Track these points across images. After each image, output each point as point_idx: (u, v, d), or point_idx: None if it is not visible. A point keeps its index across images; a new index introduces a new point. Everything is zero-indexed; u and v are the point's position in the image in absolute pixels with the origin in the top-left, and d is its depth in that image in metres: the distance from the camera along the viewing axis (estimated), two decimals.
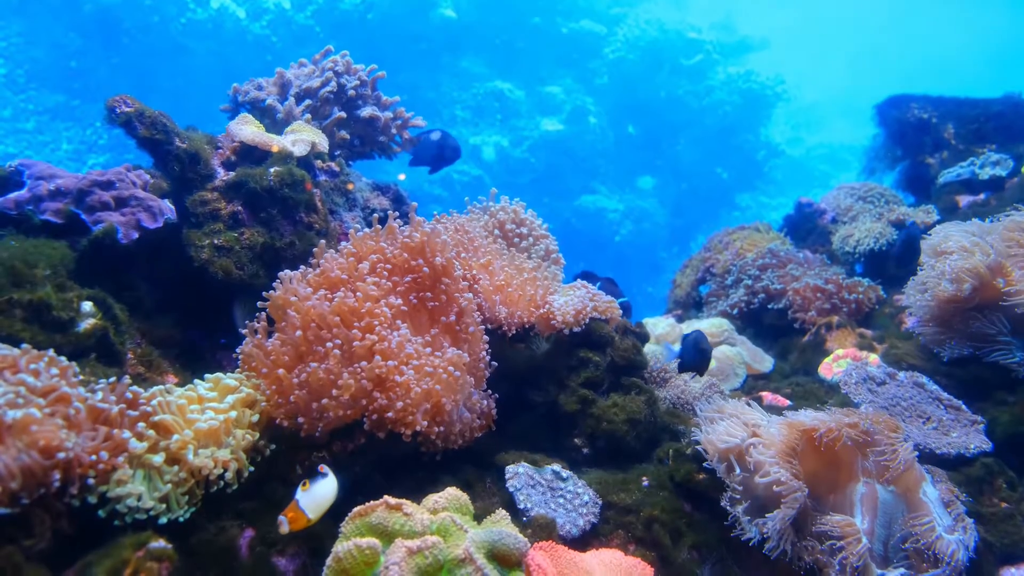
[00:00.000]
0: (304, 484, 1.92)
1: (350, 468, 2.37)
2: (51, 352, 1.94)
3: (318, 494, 1.92)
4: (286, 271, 2.52)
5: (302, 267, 2.59)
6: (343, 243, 2.71)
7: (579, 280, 3.16)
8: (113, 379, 2.03)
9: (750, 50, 20.74)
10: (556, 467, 2.43)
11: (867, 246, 4.46)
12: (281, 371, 2.25)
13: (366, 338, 2.25)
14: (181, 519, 1.91)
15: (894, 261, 3.70)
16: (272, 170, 2.94)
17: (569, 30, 17.37)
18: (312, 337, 2.29)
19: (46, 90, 14.11)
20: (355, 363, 2.22)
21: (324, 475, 1.96)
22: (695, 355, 3.13)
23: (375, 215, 2.84)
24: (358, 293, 2.37)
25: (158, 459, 1.90)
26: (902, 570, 2.00)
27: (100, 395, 1.92)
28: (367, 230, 2.68)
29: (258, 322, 2.44)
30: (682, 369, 3.19)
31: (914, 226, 3.61)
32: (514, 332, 2.86)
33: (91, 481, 1.78)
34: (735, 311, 4.37)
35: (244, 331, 2.45)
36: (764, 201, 18.67)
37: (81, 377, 1.96)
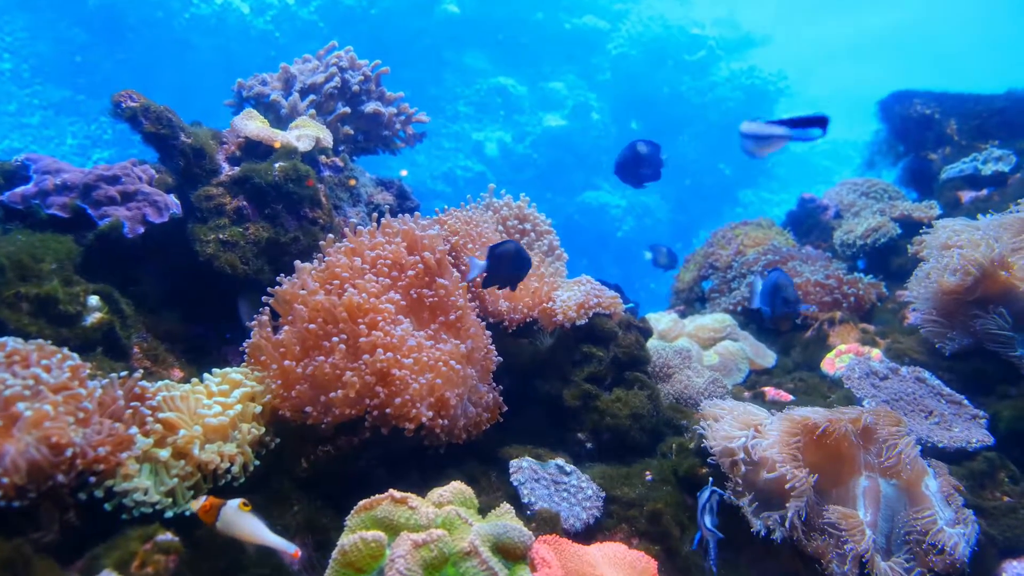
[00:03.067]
0: (246, 504, 1.80)
1: (355, 462, 2.38)
2: (65, 350, 1.95)
3: (244, 523, 1.78)
4: (305, 263, 2.53)
5: (314, 261, 2.61)
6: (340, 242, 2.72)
7: (583, 276, 3.17)
8: (124, 373, 2.05)
9: (753, 46, 20.68)
10: (560, 461, 2.44)
11: (870, 241, 4.46)
12: (288, 363, 2.26)
13: (372, 334, 2.26)
14: (187, 513, 1.92)
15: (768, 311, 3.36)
16: (277, 165, 2.95)
17: (572, 26, 17.36)
18: (321, 332, 2.30)
19: (51, 85, 14.13)
20: (360, 358, 2.24)
21: (282, 545, 1.78)
22: (502, 268, 2.65)
23: (376, 212, 2.84)
24: (363, 293, 2.37)
25: (164, 453, 1.92)
26: (905, 559, 2.02)
27: (109, 390, 1.93)
28: (361, 227, 2.69)
29: (264, 315, 2.46)
30: (488, 284, 2.71)
31: (779, 272, 3.24)
32: (516, 327, 2.87)
33: (93, 479, 1.79)
34: (739, 307, 4.38)
35: (251, 324, 2.47)
36: (767, 197, 18.66)
37: (88, 371, 1.97)
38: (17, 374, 1.77)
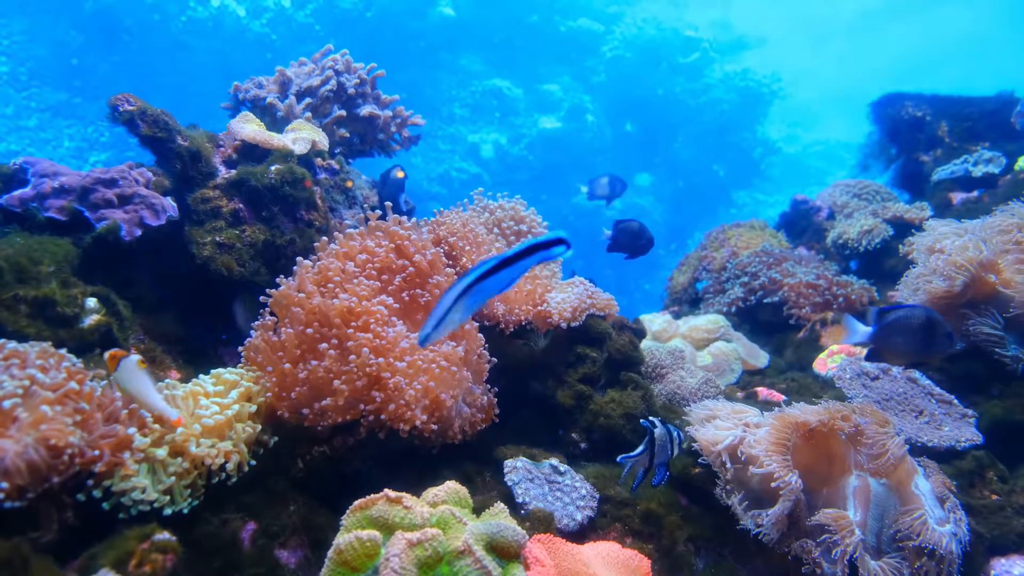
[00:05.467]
0: (143, 362, 1.93)
1: (351, 462, 2.40)
2: (63, 351, 1.97)
3: (136, 380, 1.91)
4: (305, 262, 2.54)
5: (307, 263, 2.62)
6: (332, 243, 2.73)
7: (576, 277, 3.19)
8: None
9: (747, 48, 20.75)
10: (554, 461, 2.46)
11: (864, 243, 4.49)
12: (286, 365, 2.28)
13: (359, 336, 2.27)
14: (185, 511, 1.94)
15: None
16: (273, 168, 2.97)
17: (567, 28, 17.38)
18: (317, 335, 2.31)
19: (48, 88, 14.11)
20: (350, 362, 2.25)
21: (165, 410, 1.93)
22: (630, 238, 3.22)
23: (369, 212, 2.86)
24: (353, 297, 2.39)
25: (162, 452, 1.93)
26: (896, 559, 2.04)
27: (107, 392, 1.95)
28: (352, 230, 2.71)
29: (262, 318, 2.47)
30: (610, 250, 3.31)
31: (922, 309, 2.77)
32: (512, 328, 2.89)
33: (91, 481, 1.81)
34: (733, 308, 4.40)
35: (252, 326, 2.48)
36: (761, 198, 18.70)
37: (88, 373, 1.98)
38: (14, 376, 1.79)
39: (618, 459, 2.22)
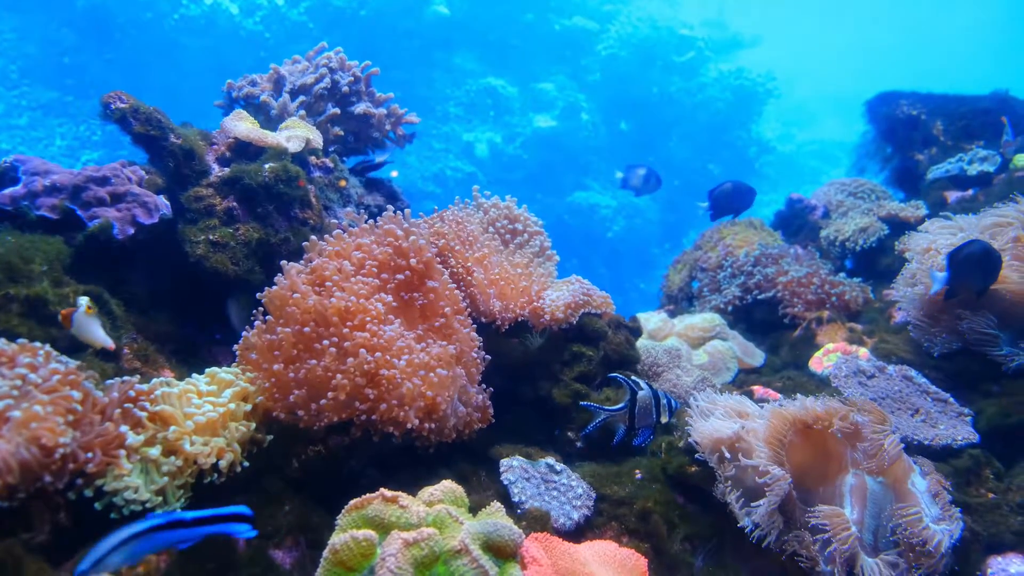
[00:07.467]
0: (91, 307, 2.20)
1: (346, 462, 2.39)
2: (48, 346, 1.95)
3: (86, 325, 2.19)
4: (293, 264, 2.52)
5: (301, 262, 2.60)
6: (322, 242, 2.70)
7: (573, 276, 3.18)
8: (124, 378, 2.05)
9: (741, 47, 20.80)
10: (550, 460, 2.45)
11: (860, 242, 4.49)
12: (278, 366, 2.26)
13: (356, 335, 2.26)
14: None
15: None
16: (267, 166, 2.96)
17: (562, 27, 17.39)
18: (313, 335, 2.30)
19: (39, 86, 14.05)
20: (348, 360, 2.24)
21: (104, 342, 2.23)
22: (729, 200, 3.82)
23: (363, 212, 2.84)
24: (351, 296, 2.37)
25: (154, 451, 1.92)
26: (892, 556, 2.04)
27: (101, 391, 1.94)
28: (340, 231, 2.69)
29: (256, 317, 2.46)
30: (713, 218, 4.08)
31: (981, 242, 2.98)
32: (508, 327, 2.88)
33: (80, 481, 1.79)
34: (729, 307, 4.40)
35: (245, 326, 2.46)
36: (755, 197, 18.71)
37: (79, 373, 1.97)
38: (5, 375, 1.77)
39: (582, 404, 2.21)
